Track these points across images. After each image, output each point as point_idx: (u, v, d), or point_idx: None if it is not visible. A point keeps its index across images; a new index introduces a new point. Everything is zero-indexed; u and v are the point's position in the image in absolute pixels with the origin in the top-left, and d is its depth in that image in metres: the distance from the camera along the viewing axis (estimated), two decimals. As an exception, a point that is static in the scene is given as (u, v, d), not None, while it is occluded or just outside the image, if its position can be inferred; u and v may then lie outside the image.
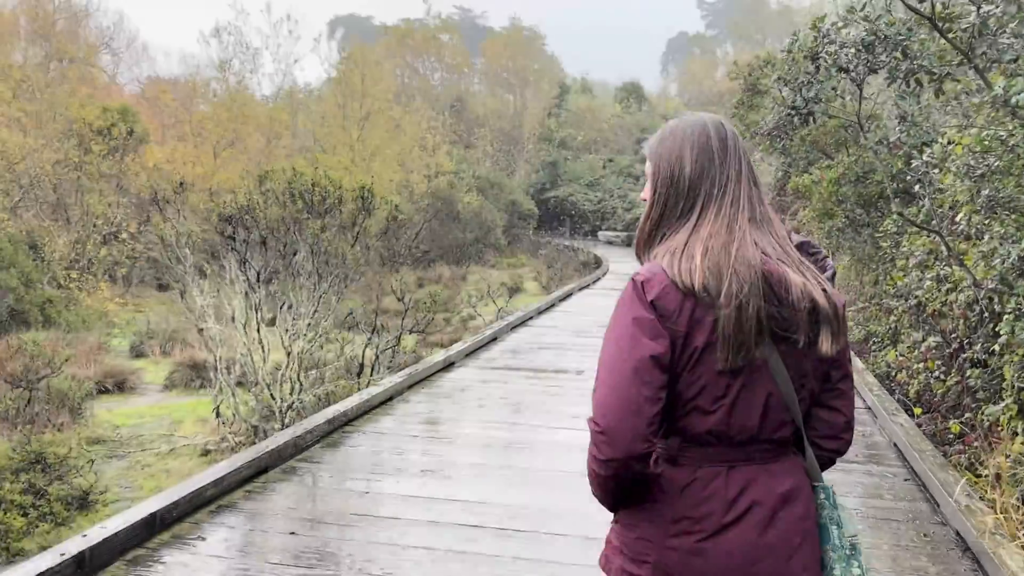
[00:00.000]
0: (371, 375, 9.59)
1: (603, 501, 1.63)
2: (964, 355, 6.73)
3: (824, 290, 1.58)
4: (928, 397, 7.58)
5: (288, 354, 7.74)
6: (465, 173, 33.97)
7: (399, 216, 9.39)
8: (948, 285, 7.11)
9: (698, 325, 1.52)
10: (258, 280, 7.36)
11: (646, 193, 1.71)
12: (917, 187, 7.03)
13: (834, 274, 1.69)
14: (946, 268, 7.26)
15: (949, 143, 6.72)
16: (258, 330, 7.57)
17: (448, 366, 8.52)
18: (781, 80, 6.96)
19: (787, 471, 1.62)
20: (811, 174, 12.11)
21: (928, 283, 7.41)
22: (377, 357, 9.79)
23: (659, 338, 1.50)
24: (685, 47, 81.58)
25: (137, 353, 14.75)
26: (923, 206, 9.71)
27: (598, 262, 24.46)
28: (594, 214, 39.03)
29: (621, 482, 1.56)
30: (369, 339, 9.43)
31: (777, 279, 1.54)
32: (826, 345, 1.57)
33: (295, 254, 7.62)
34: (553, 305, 14.07)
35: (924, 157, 6.85)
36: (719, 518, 1.55)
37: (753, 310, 1.50)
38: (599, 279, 19.13)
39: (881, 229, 9.59)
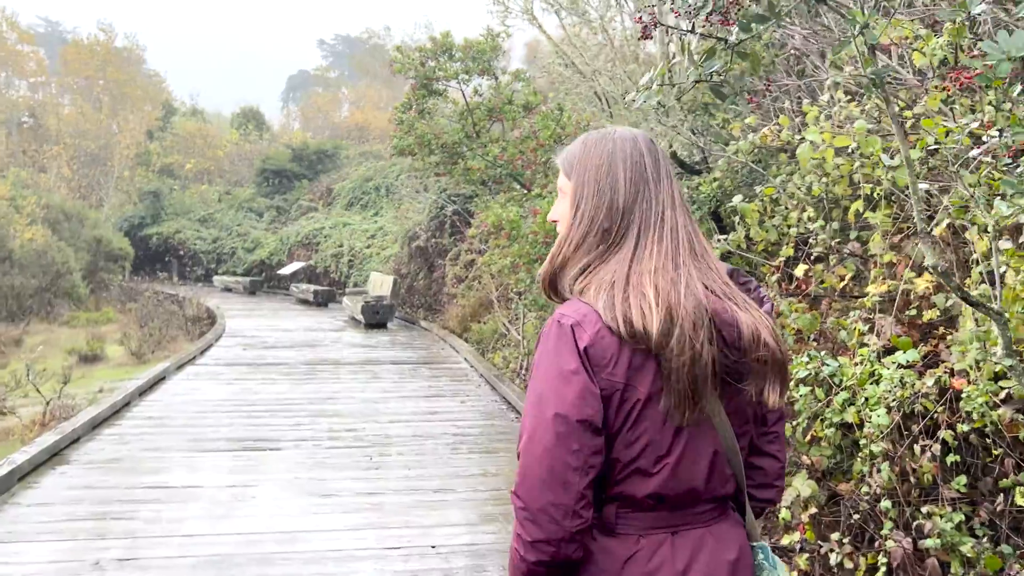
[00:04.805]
0: None
1: None
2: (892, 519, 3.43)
3: (773, 332, 1.33)
4: None
5: None
6: (27, 201, 25.65)
7: None
8: (845, 393, 3.75)
9: (638, 374, 1.27)
10: None
11: (558, 213, 1.45)
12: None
13: (772, 307, 1.40)
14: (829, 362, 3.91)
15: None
16: None
17: None
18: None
19: (731, 533, 1.38)
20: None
21: (803, 389, 3.94)
22: None
23: (589, 396, 1.25)
24: (307, 83, 77.59)
25: None
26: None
27: (212, 318, 18.74)
28: (208, 255, 32.42)
29: (552, 568, 1.29)
30: None
31: (727, 321, 1.31)
32: (773, 396, 1.34)
33: None
34: (127, 404, 8.50)
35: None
36: None
37: (708, 357, 1.27)
38: (211, 346, 13.70)
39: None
